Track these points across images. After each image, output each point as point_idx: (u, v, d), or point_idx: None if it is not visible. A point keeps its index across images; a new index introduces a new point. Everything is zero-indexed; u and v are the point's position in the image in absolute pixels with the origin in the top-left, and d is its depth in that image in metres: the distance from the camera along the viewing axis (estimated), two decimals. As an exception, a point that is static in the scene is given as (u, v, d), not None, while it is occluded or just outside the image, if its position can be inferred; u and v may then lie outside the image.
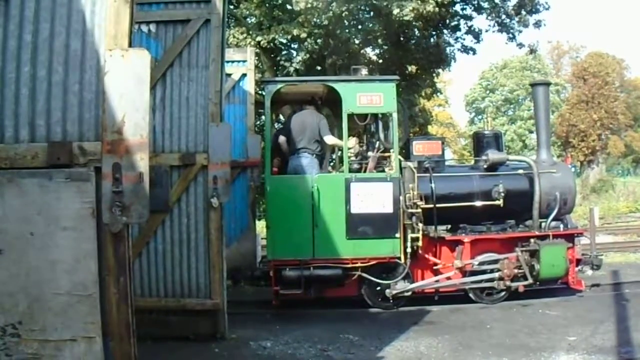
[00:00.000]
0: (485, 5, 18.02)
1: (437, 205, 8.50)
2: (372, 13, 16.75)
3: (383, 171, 8.42)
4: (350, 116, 8.33)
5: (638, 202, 30.21)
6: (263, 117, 11.36)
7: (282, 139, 8.56)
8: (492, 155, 9.00)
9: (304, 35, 15.37)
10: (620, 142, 49.69)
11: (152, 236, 6.76)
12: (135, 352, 3.64)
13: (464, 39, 19.03)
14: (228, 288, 7.25)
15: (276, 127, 9.72)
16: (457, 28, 18.72)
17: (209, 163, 6.68)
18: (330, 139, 8.55)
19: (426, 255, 8.63)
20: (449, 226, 9.13)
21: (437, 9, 14.70)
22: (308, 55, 16.42)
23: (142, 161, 3.45)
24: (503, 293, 8.57)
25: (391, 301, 8.41)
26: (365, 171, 8.46)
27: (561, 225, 9.04)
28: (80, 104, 3.59)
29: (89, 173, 3.47)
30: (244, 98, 10.95)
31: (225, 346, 6.65)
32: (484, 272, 8.52)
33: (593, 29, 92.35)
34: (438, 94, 25.70)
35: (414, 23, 15.55)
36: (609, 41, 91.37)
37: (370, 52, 19.83)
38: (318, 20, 15.41)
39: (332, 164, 9.76)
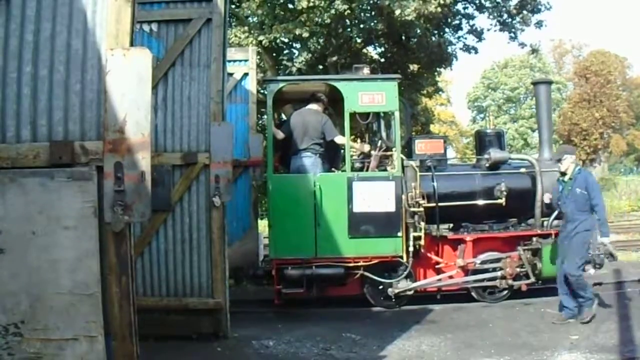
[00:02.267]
0: (487, 4, 18.01)
1: (440, 204, 8.49)
2: (374, 12, 16.75)
3: (385, 170, 8.42)
4: (353, 115, 8.32)
5: (640, 201, 30.19)
6: (265, 116, 11.36)
7: (280, 134, 8.50)
8: (494, 154, 8.99)
9: (306, 34, 15.35)
10: (622, 141, 49.63)
11: (154, 235, 6.77)
12: (137, 351, 3.64)
13: (465, 38, 19.05)
14: (230, 287, 7.26)
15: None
16: (459, 27, 18.73)
17: (211, 162, 6.68)
18: (340, 139, 8.48)
19: (428, 254, 8.61)
20: (451, 225, 9.11)
21: (439, 8, 14.69)
22: (310, 55, 16.42)
23: (143, 160, 3.45)
24: (505, 292, 8.56)
25: (393, 300, 8.40)
26: (367, 170, 8.46)
27: (563, 224, 9.03)
28: (82, 104, 3.60)
29: (90, 172, 3.47)
30: (245, 97, 10.93)
31: (227, 345, 6.66)
32: (486, 270, 8.51)
33: (595, 27, 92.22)
34: (440, 93, 25.70)
35: (416, 22, 15.54)
36: (612, 39, 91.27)
37: (372, 51, 19.84)
38: (320, 20, 15.40)
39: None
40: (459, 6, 18.12)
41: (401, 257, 8.23)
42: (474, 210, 8.74)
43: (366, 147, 8.89)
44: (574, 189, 7.25)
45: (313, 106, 8.68)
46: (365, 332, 7.14)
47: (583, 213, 7.19)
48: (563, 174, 7.49)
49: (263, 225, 13.11)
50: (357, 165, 8.77)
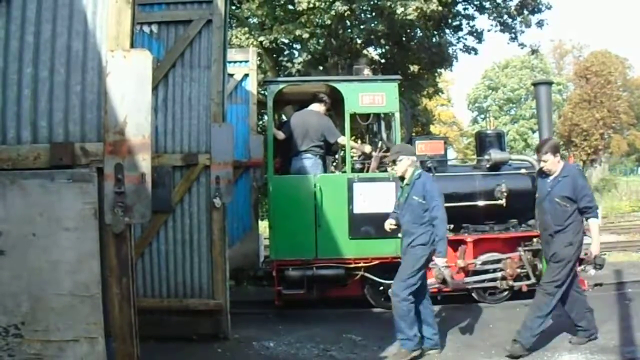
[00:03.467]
0: (487, 5, 18.03)
1: (440, 205, 8.47)
2: (374, 13, 16.77)
3: (385, 171, 8.41)
4: (353, 116, 8.32)
5: (641, 201, 30.18)
6: (265, 117, 11.36)
7: (280, 135, 8.48)
8: (495, 154, 8.98)
9: (306, 35, 15.37)
10: (623, 141, 49.69)
11: (154, 237, 6.77)
12: (138, 353, 3.64)
13: (465, 39, 19.07)
14: (231, 288, 7.25)
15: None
16: (459, 28, 18.75)
17: (212, 163, 6.68)
18: (343, 140, 8.43)
19: (429, 255, 8.60)
20: (452, 226, 9.10)
21: (440, 7, 14.69)
22: (310, 56, 16.43)
23: (144, 161, 3.45)
24: (506, 293, 8.55)
25: (394, 301, 8.39)
26: (367, 171, 8.45)
27: (564, 225, 9.01)
28: (82, 105, 3.60)
29: (91, 174, 3.47)
30: (246, 98, 10.95)
31: (228, 346, 6.66)
32: (486, 271, 8.50)
33: (596, 28, 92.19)
34: (440, 94, 25.74)
35: (416, 23, 15.55)
36: (612, 40, 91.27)
37: (373, 52, 19.85)
38: (320, 20, 15.41)
39: (334, 163, 9.78)
40: (459, 7, 18.15)
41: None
42: (474, 211, 8.73)
43: (367, 148, 8.88)
44: (410, 197, 6.21)
45: (314, 107, 8.66)
46: (365, 333, 7.13)
47: (420, 226, 6.14)
48: (402, 178, 6.45)
49: (263, 226, 13.13)
50: (358, 166, 8.77)
